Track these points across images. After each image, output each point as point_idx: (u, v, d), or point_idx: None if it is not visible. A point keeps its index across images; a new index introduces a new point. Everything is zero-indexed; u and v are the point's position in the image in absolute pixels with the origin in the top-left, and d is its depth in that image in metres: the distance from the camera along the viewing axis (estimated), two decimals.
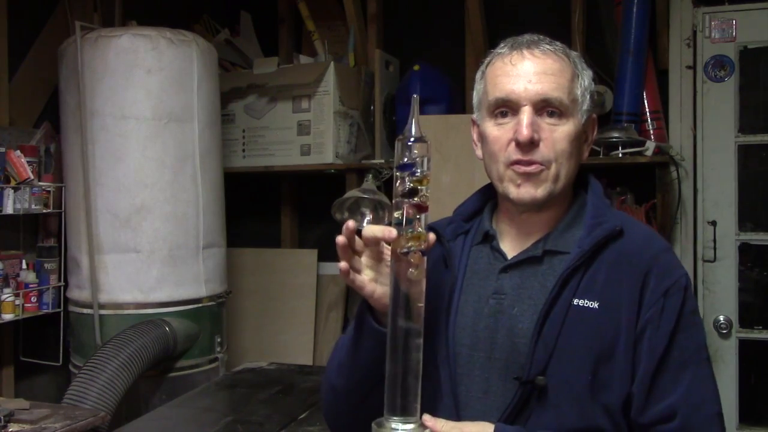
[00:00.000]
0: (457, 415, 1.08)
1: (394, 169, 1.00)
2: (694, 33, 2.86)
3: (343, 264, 1.00)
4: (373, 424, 0.98)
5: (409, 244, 0.97)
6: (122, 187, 2.47)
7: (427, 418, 1.01)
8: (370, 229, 0.99)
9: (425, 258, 0.99)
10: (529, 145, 1.05)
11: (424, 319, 1.01)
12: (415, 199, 0.98)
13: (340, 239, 0.99)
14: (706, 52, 2.86)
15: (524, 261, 1.11)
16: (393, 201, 1.00)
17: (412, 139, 0.99)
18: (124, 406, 2.29)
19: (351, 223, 1.00)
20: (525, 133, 1.04)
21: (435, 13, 3.32)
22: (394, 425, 0.98)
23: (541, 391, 1.03)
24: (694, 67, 2.87)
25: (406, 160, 0.99)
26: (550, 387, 1.03)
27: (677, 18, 2.88)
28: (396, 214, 0.99)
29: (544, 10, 3.12)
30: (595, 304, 1.04)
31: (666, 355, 1.03)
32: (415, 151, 0.99)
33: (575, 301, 1.05)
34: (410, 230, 0.98)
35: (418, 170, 0.98)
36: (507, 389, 1.06)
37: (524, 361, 1.05)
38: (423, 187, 0.98)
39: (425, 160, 0.99)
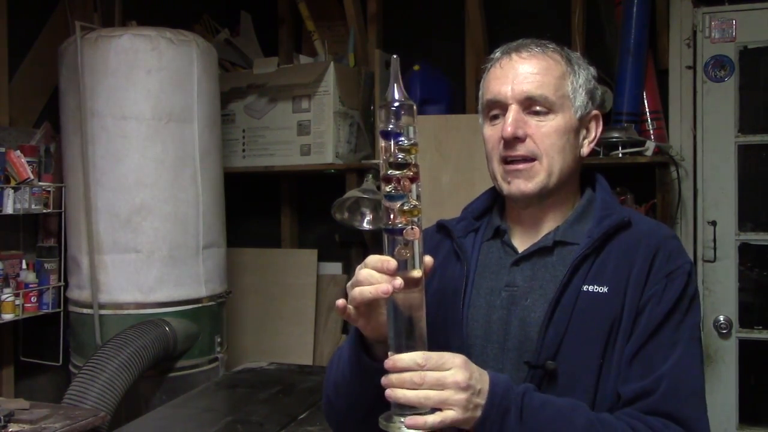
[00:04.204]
0: None
1: (378, 137, 0.94)
2: (694, 33, 2.86)
3: (340, 301, 0.98)
4: (380, 419, 0.93)
5: (401, 219, 0.90)
6: (122, 187, 2.47)
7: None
8: (365, 291, 0.93)
9: (421, 233, 0.92)
10: (514, 140, 1.10)
11: (437, 314, 1.00)
12: (405, 171, 0.91)
13: (340, 303, 0.98)
14: (706, 52, 2.86)
15: (535, 253, 1.14)
16: (381, 174, 0.92)
17: (396, 105, 0.92)
18: (124, 406, 2.28)
19: (341, 302, 0.98)
20: (508, 129, 1.09)
21: (435, 13, 3.32)
22: (403, 418, 0.90)
23: (552, 376, 1.05)
24: (694, 67, 2.87)
25: (391, 127, 0.92)
26: (560, 372, 1.05)
27: (677, 18, 2.87)
28: (387, 188, 0.91)
29: (544, 9, 3.12)
30: (605, 289, 1.07)
31: (658, 331, 1.04)
32: (401, 118, 0.92)
33: (585, 288, 1.07)
34: (405, 204, 0.90)
35: (404, 138, 0.92)
36: (520, 378, 1.07)
37: (535, 347, 1.07)
38: (411, 156, 0.91)
39: (411, 127, 0.92)
